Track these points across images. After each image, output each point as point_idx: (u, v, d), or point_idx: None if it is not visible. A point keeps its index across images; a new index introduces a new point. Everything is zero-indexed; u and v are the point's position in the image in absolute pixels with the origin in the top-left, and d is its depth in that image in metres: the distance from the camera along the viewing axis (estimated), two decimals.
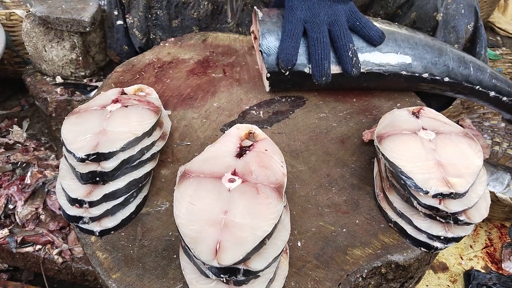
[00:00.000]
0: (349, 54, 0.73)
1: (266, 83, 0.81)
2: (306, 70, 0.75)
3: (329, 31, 0.74)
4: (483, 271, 1.08)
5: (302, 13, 0.74)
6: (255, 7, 0.82)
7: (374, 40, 0.76)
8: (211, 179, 0.52)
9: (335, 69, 0.75)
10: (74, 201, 0.55)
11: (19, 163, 1.22)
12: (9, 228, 1.06)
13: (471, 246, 1.16)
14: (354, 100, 0.82)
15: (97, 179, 0.55)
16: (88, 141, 0.56)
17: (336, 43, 0.74)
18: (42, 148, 1.33)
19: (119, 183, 0.57)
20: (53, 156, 1.28)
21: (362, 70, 0.77)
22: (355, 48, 0.74)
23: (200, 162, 0.55)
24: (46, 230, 1.07)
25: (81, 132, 0.58)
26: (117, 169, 0.56)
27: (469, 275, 1.06)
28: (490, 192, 1.06)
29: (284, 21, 0.75)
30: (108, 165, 0.55)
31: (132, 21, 1.11)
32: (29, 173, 1.17)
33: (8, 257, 1.06)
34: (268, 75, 0.76)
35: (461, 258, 1.12)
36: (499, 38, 2.17)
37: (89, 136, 0.57)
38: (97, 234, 0.56)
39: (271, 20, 0.77)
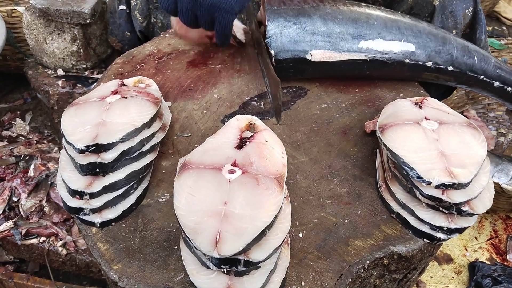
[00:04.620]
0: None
1: None
2: (308, 56, 0.74)
3: None
4: (488, 262, 1.08)
5: None
6: None
7: None
8: (211, 170, 0.52)
9: (337, 56, 0.74)
10: (74, 193, 0.55)
11: (22, 156, 1.22)
12: (14, 220, 1.07)
13: (476, 238, 1.15)
14: (357, 90, 0.81)
15: (97, 170, 0.55)
16: (87, 132, 0.56)
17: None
18: (45, 141, 1.33)
19: (119, 175, 0.56)
20: (56, 148, 1.29)
21: (365, 58, 0.76)
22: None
23: (200, 153, 0.55)
24: (50, 222, 1.07)
25: (80, 123, 0.57)
26: (117, 160, 0.56)
27: (473, 267, 1.05)
28: (495, 183, 1.05)
29: None
30: (108, 156, 0.55)
31: (135, 3, 1.09)
32: (32, 166, 1.18)
33: (14, 249, 1.07)
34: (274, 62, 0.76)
35: (466, 249, 1.12)
36: (504, 28, 2.14)
37: (88, 128, 0.56)
38: (98, 225, 0.56)
39: (272, 8, 0.77)
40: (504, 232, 1.16)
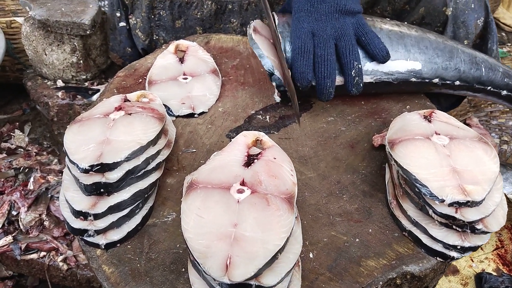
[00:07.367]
0: (352, 73, 0.71)
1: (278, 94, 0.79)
2: (314, 82, 0.73)
3: (336, 46, 0.72)
4: (494, 273, 1.06)
5: (309, 25, 0.72)
6: (253, 22, 0.79)
7: (378, 59, 0.73)
8: (219, 190, 0.51)
9: (339, 80, 0.73)
10: (78, 214, 0.54)
11: (21, 168, 1.20)
12: (13, 235, 1.05)
13: (481, 248, 1.14)
14: (362, 102, 0.80)
15: (102, 190, 0.54)
16: (91, 151, 0.54)
17: (341, 60, 0.71)
18: (45, 153, 1.31)
19: (124, 194, 0.55)
20: (55, 160, 1.27)
21: (370, 80, 0.75)
22: (360, 66, 0.71)
23: (207, 171, 0.54)
24: (50, 236, 1.05)
25: (84, 141, 0.56)
26: (122, 180, 0.54)
27: (480, 278, 1.04)
28: None
29: (292, 35, 0.73)
30: (113, 176, 0.53)
31: (135, 22, 1.09)
32: (32, 179, 1.16)
33: (13, 264, 1.05)
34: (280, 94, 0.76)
35: (472, 260, 1.11)
36: (504, 34, 2.14)
37: (92, 146, 0.55)
38: (103, 247, 0.55)
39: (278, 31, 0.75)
40: (510, 242, 1.15)
